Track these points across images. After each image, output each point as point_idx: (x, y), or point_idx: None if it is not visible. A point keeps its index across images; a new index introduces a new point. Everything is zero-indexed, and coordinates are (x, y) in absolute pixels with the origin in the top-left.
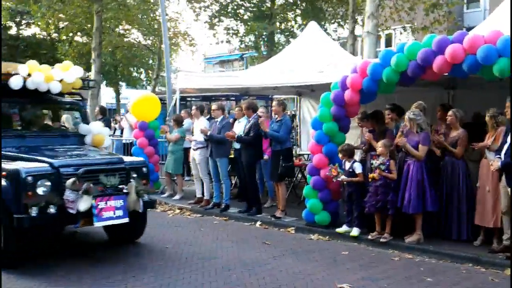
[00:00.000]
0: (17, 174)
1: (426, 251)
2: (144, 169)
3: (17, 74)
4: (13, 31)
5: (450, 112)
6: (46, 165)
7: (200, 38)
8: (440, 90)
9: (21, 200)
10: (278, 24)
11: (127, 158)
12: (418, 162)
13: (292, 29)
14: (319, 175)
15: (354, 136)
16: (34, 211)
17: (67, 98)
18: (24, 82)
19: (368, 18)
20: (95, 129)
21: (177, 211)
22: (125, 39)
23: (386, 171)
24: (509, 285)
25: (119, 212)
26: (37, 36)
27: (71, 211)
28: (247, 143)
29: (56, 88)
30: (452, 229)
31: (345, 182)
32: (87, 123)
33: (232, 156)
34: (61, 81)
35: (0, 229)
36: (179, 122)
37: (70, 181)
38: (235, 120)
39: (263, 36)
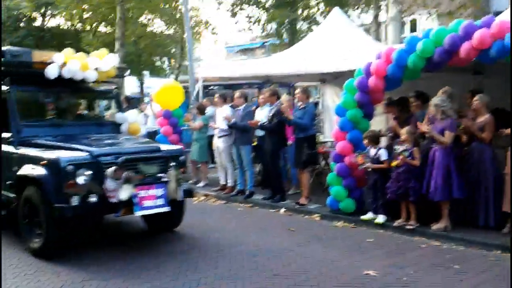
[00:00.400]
0: (57, 163)
1: (453, 238)
2: (181, 158)
3: (52, 62)
4: (38, 22)
5: (475, 97)
6: (86, 154)
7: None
8: (467, 76)
9: (62, 190)
10: (300, 11)
11: (164, 147)
12: (444, 148)
13: (314, 16)
14: (343, 162)
15: (378, 123)
16: (75, 201)
17: (101, 87)
18: (60, 71)
19: (392, 4)
20: (131, 117)
21: (202, 198)
22: (148, 29)
23: (410, 158)
24: None
25: (160, 201)
26: (61, 27)
27: (112, 200)
28: (271, 131)
29: (91, 76)
30: (479, 216)
31: (370, 169)
32: (122, 111)
33: (255, 143)
34: (96, 69)
35: (40, 219)
36: (202, 110)
37: (110, 170)
38: (257, 107)
39: (285, 24)
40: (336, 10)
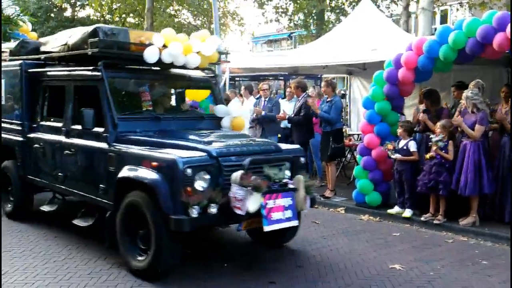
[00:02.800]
0: (174, 165)
1: (481, 233)
2: (302, 159)
3: (151, 44)
4: (68, 13)
5: (503, 88)
6: (204, 154)
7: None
8: (499, 69)
9: (179, 198)
10: (328, 1)
11: (283, 146)
12: (475, 142)
13: (343, 7)
14: (370, 155)
15: (408, 116)
16: (195, 211)
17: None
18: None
19: None
20: (235, 110)
21: None
22: (176, 20)
23: (444, 151)
24: None
25: (288, 213)
26: (91, 17)
27: (238, 211)
28: (298, 123)
29: (194, 61)
30: (505, 211)
31: (396, 161)
32: (219, 103)
33: (279, 136)
34: (198, 53)
35: (149, 232)
36: (227, 101)
37: (237, 175)
38: (281, 99)
39: (313, 15)
40: (365, 0)
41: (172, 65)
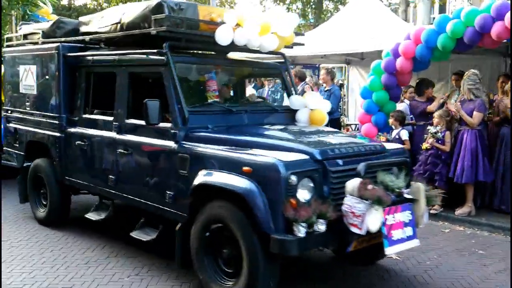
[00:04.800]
0: (274, 170)
1: (477, 223)
2: (408, 160)
3: (223, 23)
4: (65, 1)
5: (500, 78)
6: (305, 156)
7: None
8: (497, 58)
9: (282, 212)
10: None
11: (387, 145)
12: (472, 130)
13: None
14: None
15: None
16: (302, 230)
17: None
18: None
19: None
20: (313, 102)
21: None
22: None
23: (440, 142)
24: None
25: (409, 231)
26: (88, 5)
27: (355, 230)
28: None
29: (270, 44)
30: (504, 201)
31: None
32: (290, 93)
33: None
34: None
35: (242, 254)
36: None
37: (355, 184)
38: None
39: (311, 3)
40: None
41: (236, 48)
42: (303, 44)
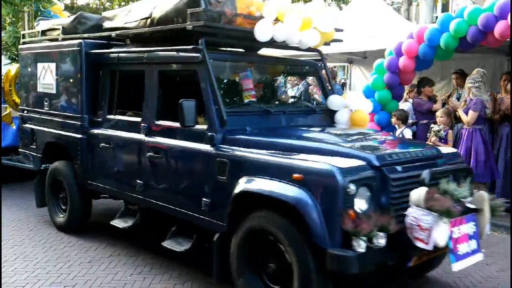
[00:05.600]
0: (331, 178)
1: None
2: (464, 165)
3: (262, 17)
4: (67, 0)
5: (503, 76)
6: (362, 162)
7: None
8: (500, 57)
9: (340, 225)
10: None
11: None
12: (469, 129)
13: None
14: None
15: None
16: (363, 244)
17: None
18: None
19: None
20: (354, 103)
21: None
22: None
23: (443, 141)
24: None
25: (473, 244)
26: (91, 5)
27: (421, 245)
28: None
29: (311, 40)
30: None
31: None
32: (327, 93)
33: None
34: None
35: (292, 269)
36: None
37: (421, 193)
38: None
39: None
40: None
41: (268, 45)
42: (341, 41)
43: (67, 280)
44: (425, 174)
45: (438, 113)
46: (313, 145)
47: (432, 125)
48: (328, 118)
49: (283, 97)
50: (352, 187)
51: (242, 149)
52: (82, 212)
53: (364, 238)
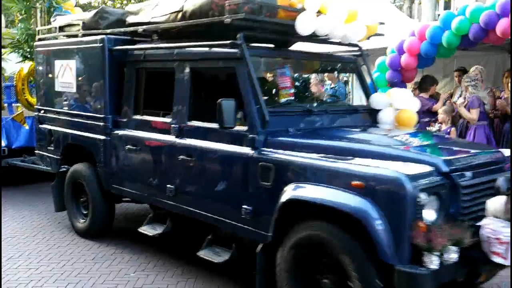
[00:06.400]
0: (398, 186)
1: None
2: None
3: (303, 10)
4: None
5: (505, 74)
6: (429, 168)
7: None
8: (502, 55)
9: (407, 238)
10: None
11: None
12: (471, 126)
13: None
14: None
15: None
16: (435, 261)
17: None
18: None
19: None
20: (400, 101)
21: None
22: None
23: None
24: None
25: None
26: (92, 3)
27: (498, 260)
28: None
29: (357, 34)
30: None
31: None
32: (368, 91)
33: None
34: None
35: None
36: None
37: (499, 202)
38: None
39: None
40: None
41: (308, 39)
42: (383, 35)
43: (70, 277)
44: (501, 181)
45: (440, 111)
46: (370, 148)
47: (433, 124)
48: (369, 117)
49: (322, 95)
50: (423, 196)
51: (288, 152)
52: (105, 217)
53: (437, 253)
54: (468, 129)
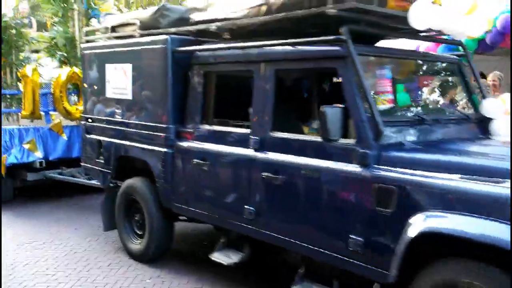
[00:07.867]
0: None
1: None
2: None
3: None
4: None
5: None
6: None
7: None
8: None
9: None
10: None
11: None
12: None
13: None
14: None
15: None
16: None
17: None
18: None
19: None
20: None
21: None
22: None
23: None
24: None
25: None
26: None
27: None
28: None
29: (478, 28)
30: None
31: None
32: (474, 97)
33: None
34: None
35: None
36: None
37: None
38: None
39: None
40: None
41: (416, 35)
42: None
43: (87, 283)
44: None
45: None
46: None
47: None
48: (477, 127)
49: (430, 102)
50: None
51: (416, 172)
52: (163, 238)
53: None
54: None
